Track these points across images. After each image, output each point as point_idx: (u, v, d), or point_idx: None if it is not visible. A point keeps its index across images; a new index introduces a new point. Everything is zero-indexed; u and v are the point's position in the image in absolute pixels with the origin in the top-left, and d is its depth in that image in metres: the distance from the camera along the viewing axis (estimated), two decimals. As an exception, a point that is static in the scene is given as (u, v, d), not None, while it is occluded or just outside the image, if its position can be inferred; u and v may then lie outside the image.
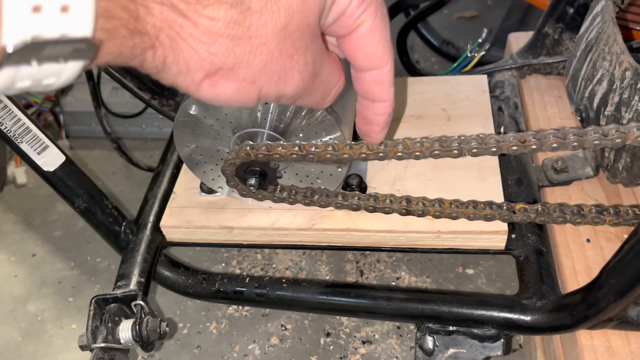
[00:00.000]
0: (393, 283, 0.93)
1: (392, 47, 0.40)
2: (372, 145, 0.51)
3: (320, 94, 0.39)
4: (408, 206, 0.58)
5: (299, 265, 0.97)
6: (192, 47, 0.29)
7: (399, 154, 0.51)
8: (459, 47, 1.33)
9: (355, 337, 0.86)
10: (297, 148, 0.52)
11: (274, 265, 0.97)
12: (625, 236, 0.60)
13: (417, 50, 1.41)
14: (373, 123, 0.46)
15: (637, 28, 0.85)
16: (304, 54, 0.34)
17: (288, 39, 0.32)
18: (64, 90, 1.26)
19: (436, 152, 0.50)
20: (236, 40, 0.29)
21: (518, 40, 0.90)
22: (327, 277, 0.95)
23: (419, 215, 0.58)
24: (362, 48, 0.38)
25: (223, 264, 1.00)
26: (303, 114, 0.54)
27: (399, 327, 0.87)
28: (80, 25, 0.23)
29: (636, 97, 0.52)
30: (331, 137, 0.55)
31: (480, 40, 0.84)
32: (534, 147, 0.47)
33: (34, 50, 0.23)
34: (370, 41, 0.38)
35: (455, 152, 0.49)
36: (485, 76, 0.79)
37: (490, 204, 0.57)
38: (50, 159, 0.61)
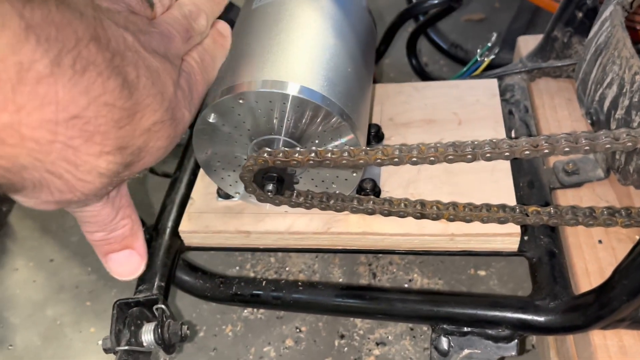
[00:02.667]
0: (406, 285, 0.94)
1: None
2: (387, 149, 0.52)
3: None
4: (422, 210, 0.59)
5: (312, 268, 0.98)
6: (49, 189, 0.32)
7: (414, 159, 0.52)
8: (468, 50, 1.33)
9: (369, 338, 0.88)
10: (313, 154, 0.54)
11: (287, 268, 0.99)
12: (637, 237, 0.61)
13: (425, 53, 1.42)
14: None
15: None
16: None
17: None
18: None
19: (450, 157, 0.51)
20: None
21: (527, 43, 0.91)
22: (340, 280, 0.96)
23: (433, 219, 0.59)
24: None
25: (237, 267, 1.01)
26: (319, 120, 0.56)
27: (412, 329, 0.88)
28: None
29: (646, 101, 0.53)
30: (343, 140, 0.57)
31: (489, 45, 0.85)
32: (546, 151, 0.48)
33: None
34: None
35: (469, 156, 0.50)
36: (496, 80, 0.80)
37: (503, 206, 0.58)
38: (72, 167, 0.63)
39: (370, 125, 0.72)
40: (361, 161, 0.53)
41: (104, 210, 0.39)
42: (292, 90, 0.53)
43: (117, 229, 0.41)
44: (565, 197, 0.67)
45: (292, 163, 0.54)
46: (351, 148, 0.53)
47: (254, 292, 0.68)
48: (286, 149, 0.55)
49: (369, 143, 0.72)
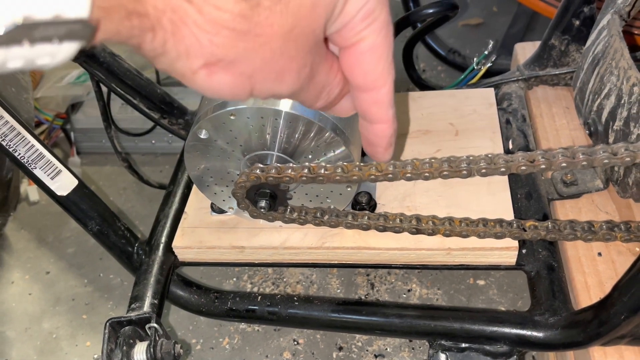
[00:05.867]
0: (404, 295, 0.93)
1: (393, 67, 0.38)
2: (381, 165, 0.51)
3: (314, 93, 0.38)
4: (418, 225, 0.58)
5: (310, 279, 0.97)
6: (194, 35, 0.28)
7: (408, 174, 0.51)
8: (465, 56, 1.33)
9: (367, 350, 0.87)
10: (306, 170, 0.53)
11: (285, 279, 0.98)
12: (638, 249, 0.60)
13: (422, 59, 1.42)
14: (375, 144, 0.44)
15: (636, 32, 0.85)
16: (304, 57, 0.33)
17: (292, 41, 0.31)
18: (75, 108, 1.27)
19: (445, 172, 0.50)
20: (241, 34, 0.29)
21: (524, 50, 0.90)
22: (338, 291, 0.95)
23: (429, 234, 0.59)
24: (360, 64, 0.37)
25: (234, 279, 1.00)
26: (312, 135, 0.55)
27: (411, 340, 0.87)
28: (76, 5, 0.22)
29: (644, 113, 0.52)
30: (337, 154, 0.56)
31: (486, 53, 0.84)
32: (542, 166, 0.47)
33: (25, 32, 0.22)
34: (370, 58, 0.36)
35: (464, 172, 0.49)
36: (492, 89, 0.79)
37: (500, 221, 0.57)
38: (64, 183, 0.62)
39: (366, 137, 0.71)
40: (355, 177, 0.52)
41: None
42: (285, 106, 0.52)
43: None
44: (564, 209, 0.66)
45: (284, 179, 0.54)
46: (344, 164, 0.52)
47: (249, 307, 0.67)
48: (279, 165, 0.54)
49: (364, 155, 0.71)
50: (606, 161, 0.46)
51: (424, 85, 0.97)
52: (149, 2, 0.26)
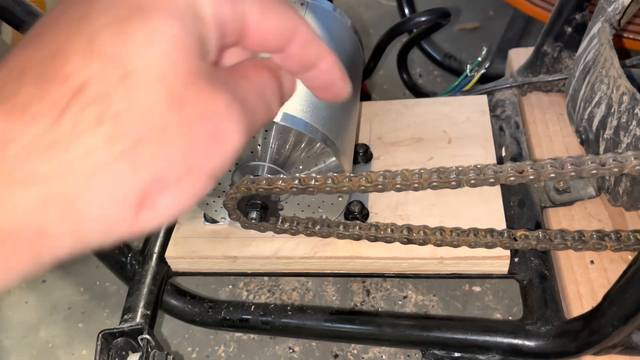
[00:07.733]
0: (400, 302, 0.93)
1: (297, 11, 0.31)
2: (371, 175, 0.51)
3: (257, 105, 0.29)
4: (409, 235, 0.58)
5: (306, 286, 0.97)
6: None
7: (398, 185, 0.51)
8: (461, 60, 1.32)
9: (363, 358, 0.86)
10: (297, 181, 0.53)
11: (280, 287, 0.98)
12: (630, 257, 0.60)
13: (418, 64, 1.42)
14: (331, 83, 0.34)
15: (631, 37, 0.85)
16: (214, 101, 0.23)
17: (188, 107, 0.23)
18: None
19: (434, 183, 0.50)
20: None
21: (518, 56, 0.90)
22: (334, 298, 0.95)
23: (421, 244, 0.59)
24: (266, 31, 0.30)
25: (230, 286, 1.00)
26: (302, 146, 0.55)
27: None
28: None
29: (634, 122, 0.53)
30: (327, 165, 0.56)
31: (479, 59, 0.84)
32: (531, 177, 0.47)
33: None
34: (270, 21, 0.30)
35: (454, 183, 0.50)
36: (485, 96, 0.79)
37: (491, 231, 0.57)
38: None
39: (359, 145, 0.71)
40: (345, 188, 0.52)
41: None
42: (275, 117, 0.52)
43: None
44: (557, 216, 0.66)
45: (275, 190, 0.54)
46: (335, 175, 0.52)
47: (243, 316, 0.67)
48: (269, 176, 0.54)
49: (357, 163, 0.71)
50: (594, 172, 0.46)
51: (418, 92, 0.97)
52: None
